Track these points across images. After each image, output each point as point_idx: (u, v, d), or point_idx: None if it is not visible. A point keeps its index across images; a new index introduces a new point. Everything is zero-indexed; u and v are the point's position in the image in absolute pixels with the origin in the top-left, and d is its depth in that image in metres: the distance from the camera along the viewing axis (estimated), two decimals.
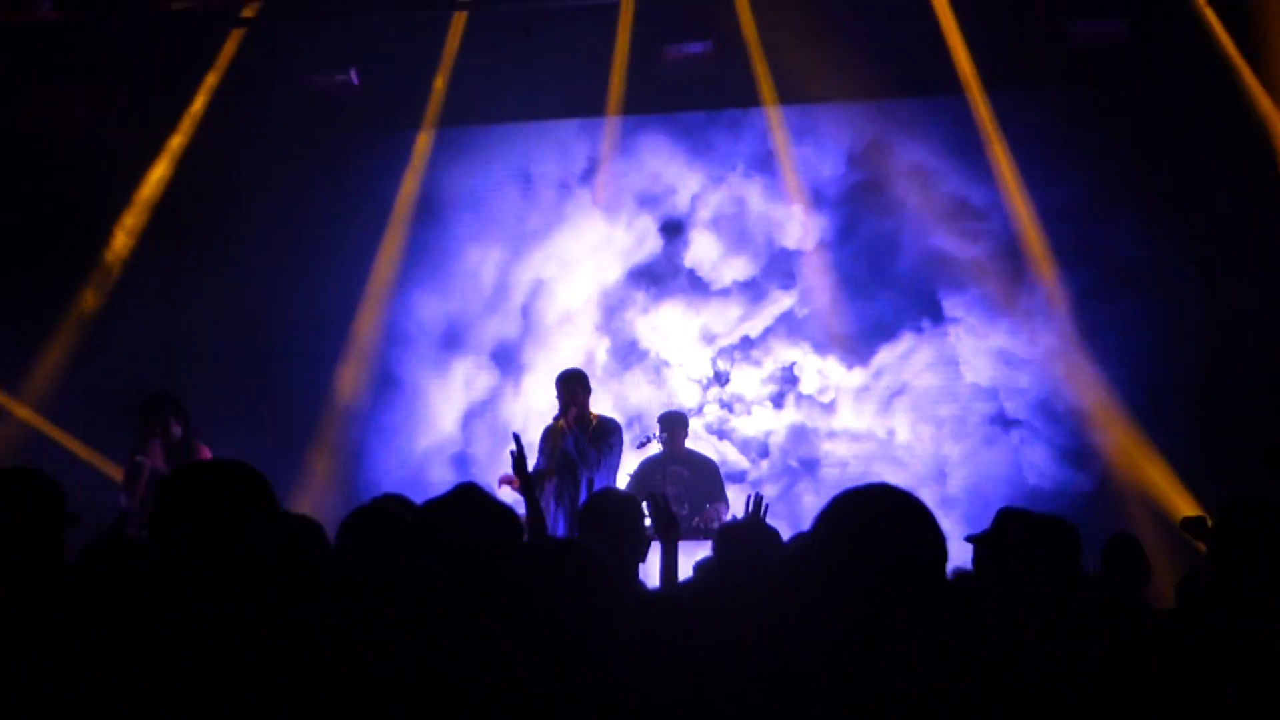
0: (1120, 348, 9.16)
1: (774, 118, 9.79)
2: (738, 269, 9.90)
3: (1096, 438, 9.30)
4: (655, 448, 8.54)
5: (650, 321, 10.03)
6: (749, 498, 4.97)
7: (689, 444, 8.78)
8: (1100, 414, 9.26)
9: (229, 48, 9.53)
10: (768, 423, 9.91)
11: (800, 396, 9.92)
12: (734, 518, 8.02)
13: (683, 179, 9.94)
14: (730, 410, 9.96)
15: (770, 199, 9.87)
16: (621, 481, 7.93)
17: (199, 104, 9.64)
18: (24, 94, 9.41)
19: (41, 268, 9.50)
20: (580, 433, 7.50)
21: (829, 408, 9.87)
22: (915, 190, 9.66)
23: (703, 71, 9.66)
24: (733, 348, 10.02)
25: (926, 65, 9.45)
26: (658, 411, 9.06)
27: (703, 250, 9.93)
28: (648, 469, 8.44)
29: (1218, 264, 9.13)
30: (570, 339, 9.86)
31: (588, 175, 10.00)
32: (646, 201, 9.98)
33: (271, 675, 2.58)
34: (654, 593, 3.90)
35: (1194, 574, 4.42)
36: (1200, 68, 9.21)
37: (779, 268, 9.96)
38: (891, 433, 9.78)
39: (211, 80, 9.63)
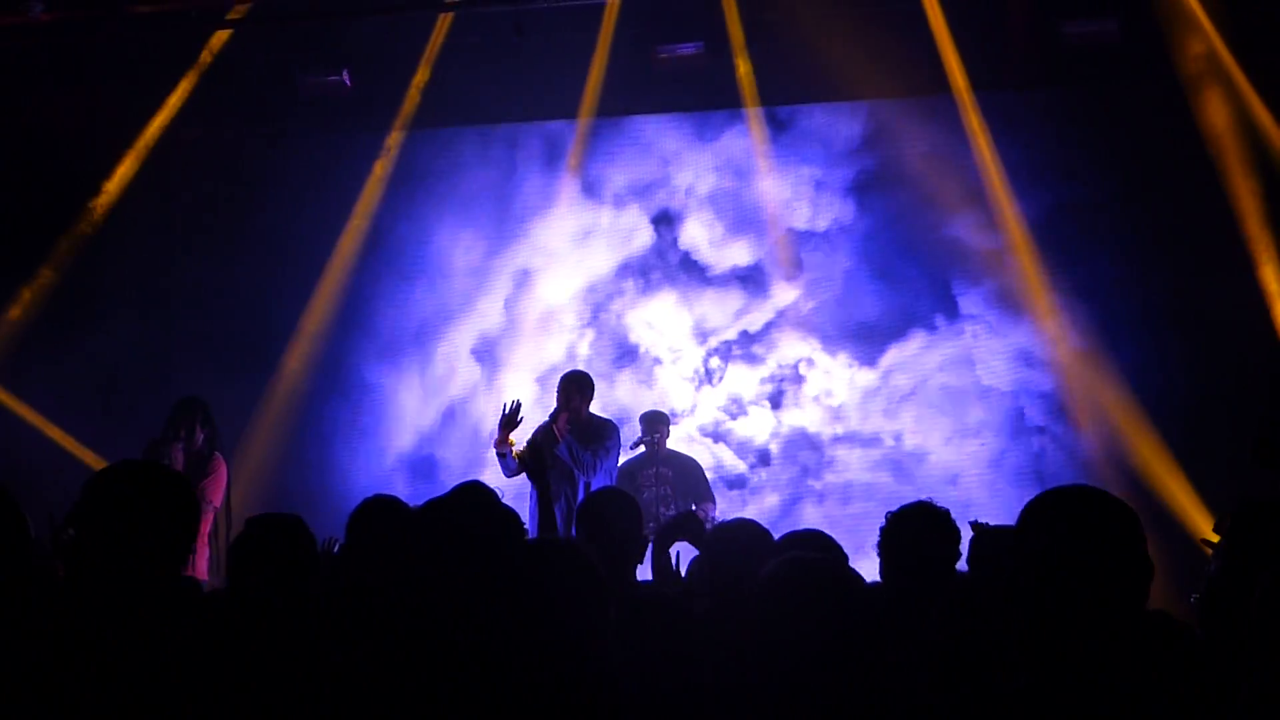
0: (1138, 355, 8.94)
1: (772, 116, 9.65)
2: (735, 256, 9.64)
3: (1123, 447, 8.95)
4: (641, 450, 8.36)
5: (640, 315, 9.75)
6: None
7: (670, 444, 8.56)
8: (1126, 423, 8.92)
9: (222, 49, 9.50)
10: (766, 425, 9.57)
11: (802, 398, 9.56)
12: (722, 517, 8.02)
13: (678, 171, 9.73)
14: (727, 412, 9.63)
15: (766, 194, 9.66)
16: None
17: (193, 105, 9.61)
18: (13, 96, 9.43)
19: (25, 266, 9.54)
20: (574, 437, 7.37)
21: (833, 410, 9.51)
22: (929, 178, 9.35)
23: (695, 71, 9.54)
24: (730, 344, 9.68)
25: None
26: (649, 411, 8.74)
27: (698, 236, 9.69)
28: (631, 471, 8.24)
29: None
30: (555, 335, 9.70)
31: (579, 169, 9.79)
32: (638, 192, 9.75)
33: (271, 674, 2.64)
34: (651, 591, 3.92)
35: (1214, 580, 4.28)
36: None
37: (776, 260, 9.65)
38: (899, 437, 9.42)
39: (203, 82, 9.60)
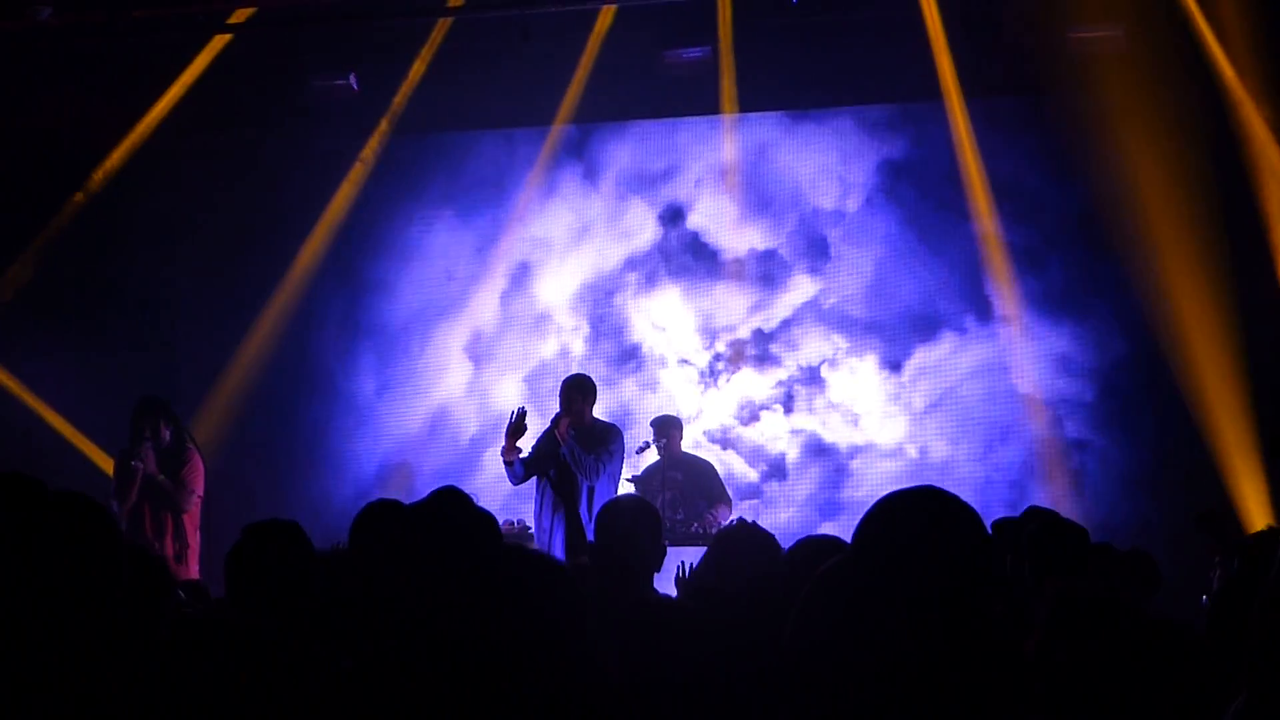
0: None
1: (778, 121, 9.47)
2: (747, 245, 9.30)
3: (1171, 461, 8.37)
4: (653, 454, 8.24)
5: (644, 314, 9.47)
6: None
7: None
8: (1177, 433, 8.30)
9: (229, 51, 9.53)
10: (778, 431, 9.17)
11: (818, 404, 9.14)
12: (738, 519, 7.95)
13: (685, 166, 9.48)
14: (738, 418, 9.29)
15: (771, 197, 9.41)
16: (623, 489, 7.59)
17: (194, 106, 9.64)
18: (20, 99, 9.47)
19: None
20: (575, 441, 7.31)
21: (851, 418, 9.07)
22: (952, 179, 8.96)
23: (702, 76, 9.49)
24: (742, 343, 9.33)
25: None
26: (649, 414, 8.68)
27: (704, 231, 9.42)
28: (648, 478, 8.19)
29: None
30: (553, 334, 9.55)
31: (587, 167, 9.63)
32: (642, 186, 9.50)
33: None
34: (669, 601, 3.88)
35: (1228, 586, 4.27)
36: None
37: (783, 257, 9.32)
38: (925, 450, 8.92)
39: (206, 84, 9.64)
